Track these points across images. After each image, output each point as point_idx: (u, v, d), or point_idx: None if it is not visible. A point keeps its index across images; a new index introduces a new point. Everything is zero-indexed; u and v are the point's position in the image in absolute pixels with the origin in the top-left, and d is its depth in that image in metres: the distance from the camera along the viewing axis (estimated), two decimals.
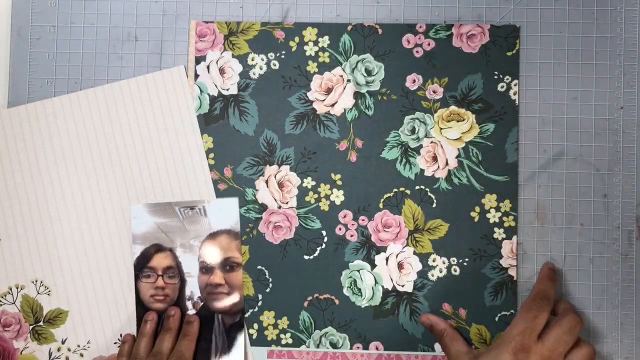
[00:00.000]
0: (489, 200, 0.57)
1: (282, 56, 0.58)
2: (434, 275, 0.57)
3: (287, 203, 0.58)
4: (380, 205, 0.57)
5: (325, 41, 0.58)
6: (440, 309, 0.57)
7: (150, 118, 0.59)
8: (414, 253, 0.57)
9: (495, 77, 0.58)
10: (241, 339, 0.57)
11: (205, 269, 0.58)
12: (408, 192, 0.57)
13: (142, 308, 0.57)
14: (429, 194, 0.57)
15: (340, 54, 0.58)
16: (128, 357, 0.55)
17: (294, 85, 0.58)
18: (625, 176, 0.58)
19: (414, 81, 0.58)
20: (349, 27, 0.58)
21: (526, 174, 0.58)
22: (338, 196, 0.58)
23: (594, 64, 0.58)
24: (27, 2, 0.60)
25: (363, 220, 0.58)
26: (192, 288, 0.57)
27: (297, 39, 0.58)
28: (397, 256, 0.57)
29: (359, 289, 0.57)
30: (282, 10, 0.59)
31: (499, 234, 0.57)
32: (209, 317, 0.57)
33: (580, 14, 0.59)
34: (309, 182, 0.58)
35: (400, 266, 0.57)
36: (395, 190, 0.57)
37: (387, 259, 0.57)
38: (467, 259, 0.57)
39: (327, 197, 0.58)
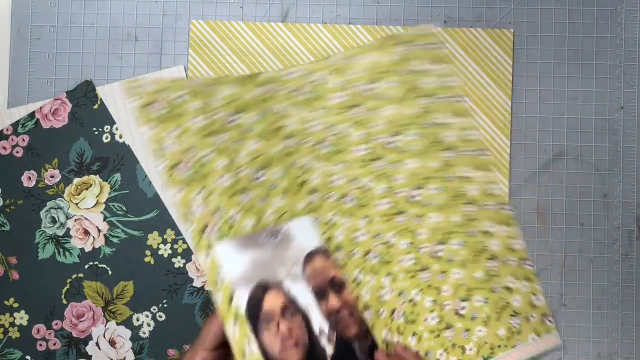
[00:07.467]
0: (153, 239, 0.58)
1: None
2: (145, 332, 0.58)
3: None
4: (64, 301, 0.58)
5: None
6: (167, 357, 0.58)
7: None
8: (118, 324, 0.58)
9: (97, 132, 0.58)
10: None
11: (318, 295, 0.50)
12: (81, 275, 0.58)
13: None
14: (100, 265, 0.58)
15: None
16: None
17: None
18: (625, 176, 0.58)
19: (29, 178, 0.58)
20: None
21: (526, 174, 0.58)
22: (22, 317, 0.58)
23: (594, 64, 0.58)
24: (27, 2, 0.60)
25: (57, 324, 0.58)
26: (319, 321, 0.49)
27: None
28: (104, 336, 0.58)
29: None
30: (282, 10, 0.59)
31: (178, 262, 0.58)
32: (347, 348, 0.49)
33: (580, 14, 0.59)
34: None
35: (112, 343, 0.58)
36: (69, 280, 0.58)
37: (97, 345, 0.58)
38: (164, 300, 0.58)
39: (12, 324, 0.58)
